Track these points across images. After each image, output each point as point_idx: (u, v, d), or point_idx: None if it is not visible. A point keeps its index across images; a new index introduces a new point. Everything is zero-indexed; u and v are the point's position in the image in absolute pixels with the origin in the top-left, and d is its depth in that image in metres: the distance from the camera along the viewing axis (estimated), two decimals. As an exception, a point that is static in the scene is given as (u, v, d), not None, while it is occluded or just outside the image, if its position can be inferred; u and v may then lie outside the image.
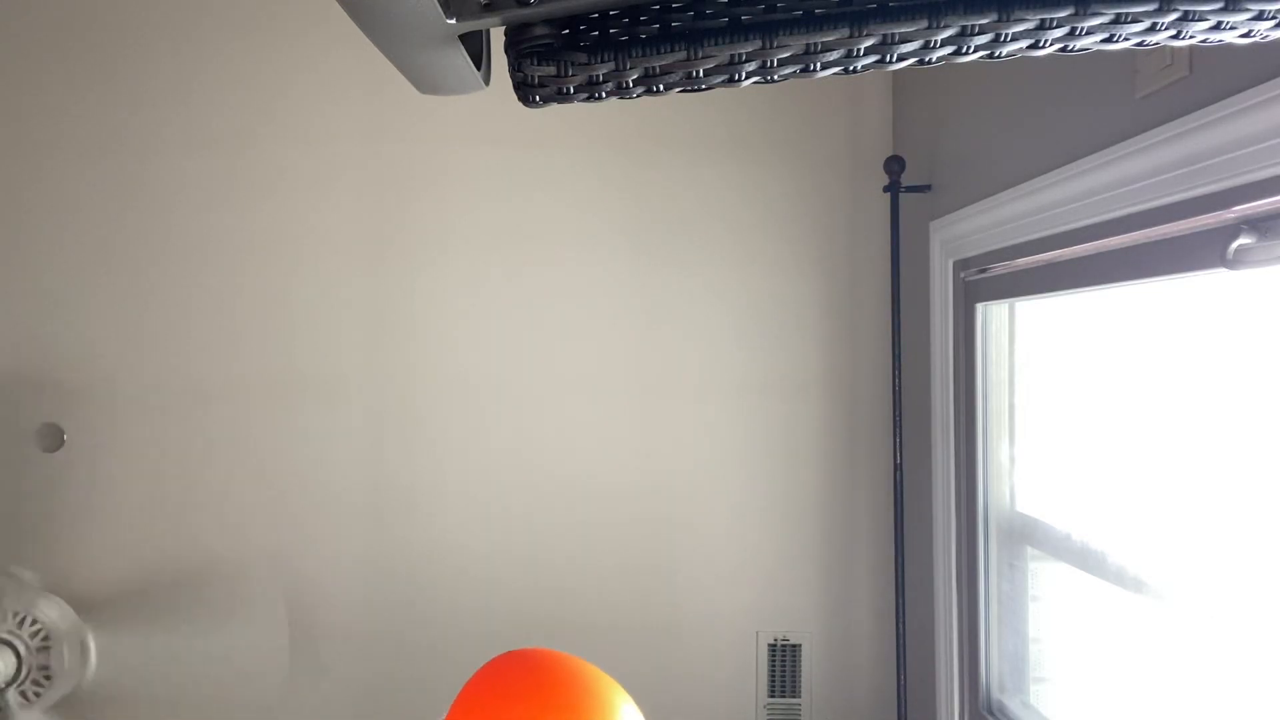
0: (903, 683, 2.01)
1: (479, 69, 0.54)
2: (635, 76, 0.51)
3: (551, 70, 0.50)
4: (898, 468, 2.04)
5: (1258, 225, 0.96)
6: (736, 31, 0.48)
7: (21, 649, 1.82)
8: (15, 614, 1.86)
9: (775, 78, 0.52)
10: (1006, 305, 1.68)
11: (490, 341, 2.13)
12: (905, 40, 0.48)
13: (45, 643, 1.86)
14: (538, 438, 2.14)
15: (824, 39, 0.48)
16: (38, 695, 1.85)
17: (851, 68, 0.51)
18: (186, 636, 2.03)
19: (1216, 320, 1.16)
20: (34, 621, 1.86)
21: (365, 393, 2.11)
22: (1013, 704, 1.65)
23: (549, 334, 2.14)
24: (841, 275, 2.18)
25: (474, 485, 2.12)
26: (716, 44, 0.48)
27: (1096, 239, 1.27)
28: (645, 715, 0.85)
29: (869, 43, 0.48)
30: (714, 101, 2.14)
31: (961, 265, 1.76)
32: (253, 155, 2.09)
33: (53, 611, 1.89)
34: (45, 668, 1.86)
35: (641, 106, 2.09)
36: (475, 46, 0.53)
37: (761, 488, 2.16)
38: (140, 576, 2.06)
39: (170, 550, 2.07)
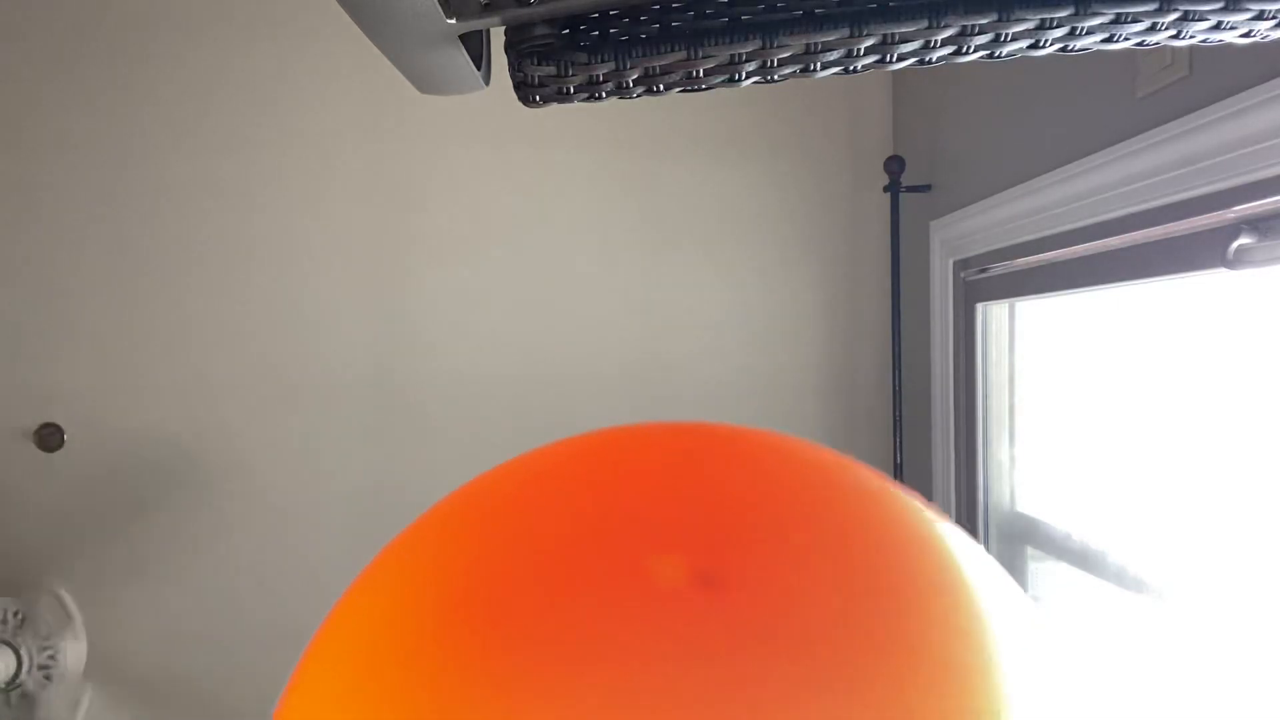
0: (903, 683, 2.01)
1: (479, 69, 0.54)
2: (635, 76, 0.51)
3: (551, 70, 0.50)
4: (898, 468, 2.04)
5: (1258, 225, 0.96)
6: (736, 31, 0.48)
7: (11, 639, 1.83)
8: (16, 614, 1.86)
9: (775, 78, 0.52)
10: (1006, 305, 1.68)
11: (490, 341, 2.13)
12: (905, 40, 0.48)
13: (22, 620, 1.86)
14: (537, 437, 2.13)
15: (824, 39, 0.48)
16: (49, 675, 1.85)
17: (851, 68, 0.51)
18: (180, 608, 2.04)
19: (1217, 320, 1.16)
20: (16, 613, 1.87)
21: (365, 392, 2.11)
22: (1013, 704, 1.64)
23: (548, 333, 2.14)
24: (841, 275, 2.18)
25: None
26: (716, 44, 0.48)
27: (1096, 239, 1.27)
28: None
29: (869, 43, 0.48)
30: (714, 101, 2.14)
31: (961, 265, 1.76)
32: (253, 155, 2.09)
33: (11, 600, 1.90)
34: (47, 648, 1.86)
35: (641, 106, 2.09)
36: (475, 46, 0.53)
37: (761, 488, 2.16)
38: (141, 575, 2.06)
39: (171, 549, 2.07)
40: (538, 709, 0.22)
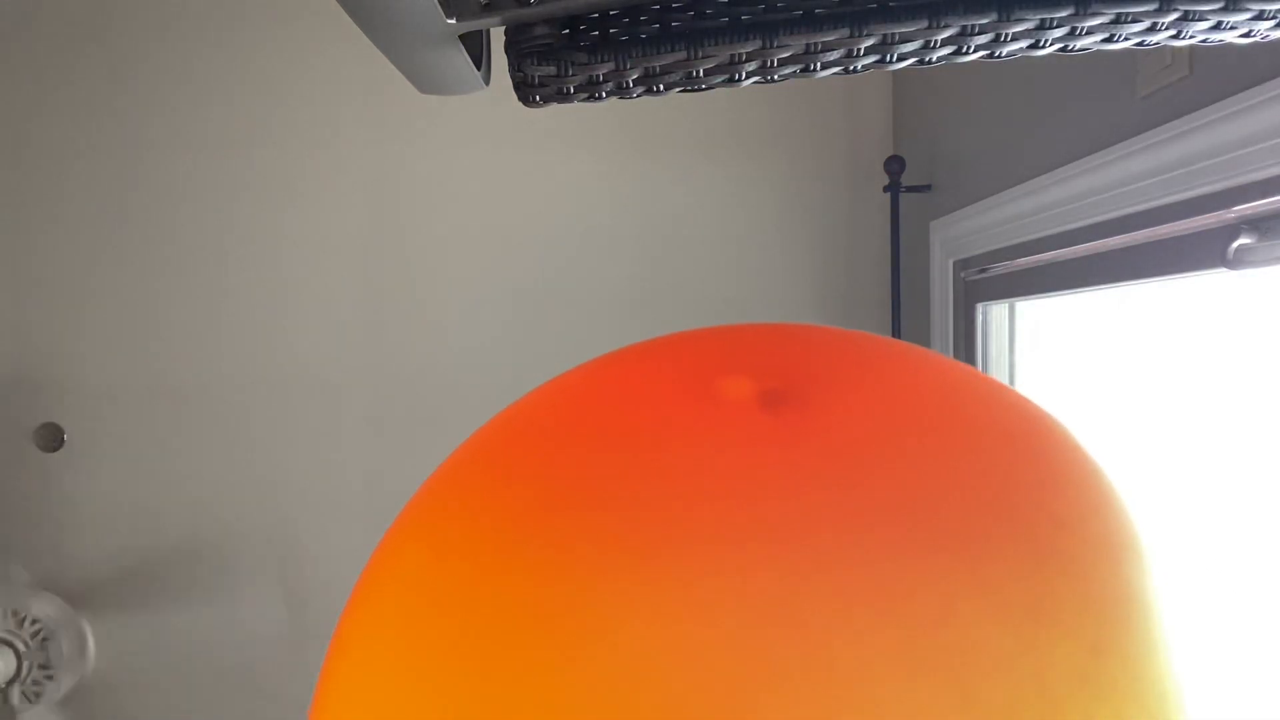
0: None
1: (479, 69, 0.54)
2: (635, 76, 0.51)
3: (551, 70, 0.50)
4: (898, 468, 2.04)
5: (1258, 225, 0.96)
6: (736, 31, 0.48)
7: (20, 647, 1.83)
8: (16, 613, 1.86)
9: (775, 78, 0.52)
10: (1006, 305, 1.68)
11: (490, 339, 2.13)
12: (905, 40, 0.48)
13: (44, 641, 1.86)
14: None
15: (824, 39, 0.48)
16: (37, 695, 1.85)
17: (851, 68, 0.51)
18: (186, 621, 2.04)
19: (1217, 320, 1.16)
20: (34, 621, 1.86)
21: (365, 390, 2.11)
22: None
23: (548, 333, 2.14)
24: (841, 275, 2.18)
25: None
26: (716, 44, 0.48)
27: (1097, 239, 1.27)
28: None
29: (869, 43, 0.48)
30: (714, 102, 2.14)
31: (961, 265, 1.76)
32: (252, 155, 2.09)
33: (47, 607, 1.90)
34: (45, 665, 1.86)
35: (641, 106, 2.09)
36: (475, 46, 0.53)
37: (761, 488, 2.16)
38: (141, 576, 2.06)
39: (172, 550, 2.07)
40: (589, 520, 0.21)
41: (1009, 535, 0.21)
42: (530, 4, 0.47)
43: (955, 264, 1.79)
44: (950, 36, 0.48)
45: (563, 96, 0.53)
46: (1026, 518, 0.21)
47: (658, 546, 0.20)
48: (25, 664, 1.83)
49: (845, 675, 0.18)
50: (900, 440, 0.23)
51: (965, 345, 1.75)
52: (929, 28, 0.47)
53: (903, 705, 0.18)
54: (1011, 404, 0.26)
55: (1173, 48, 1.06)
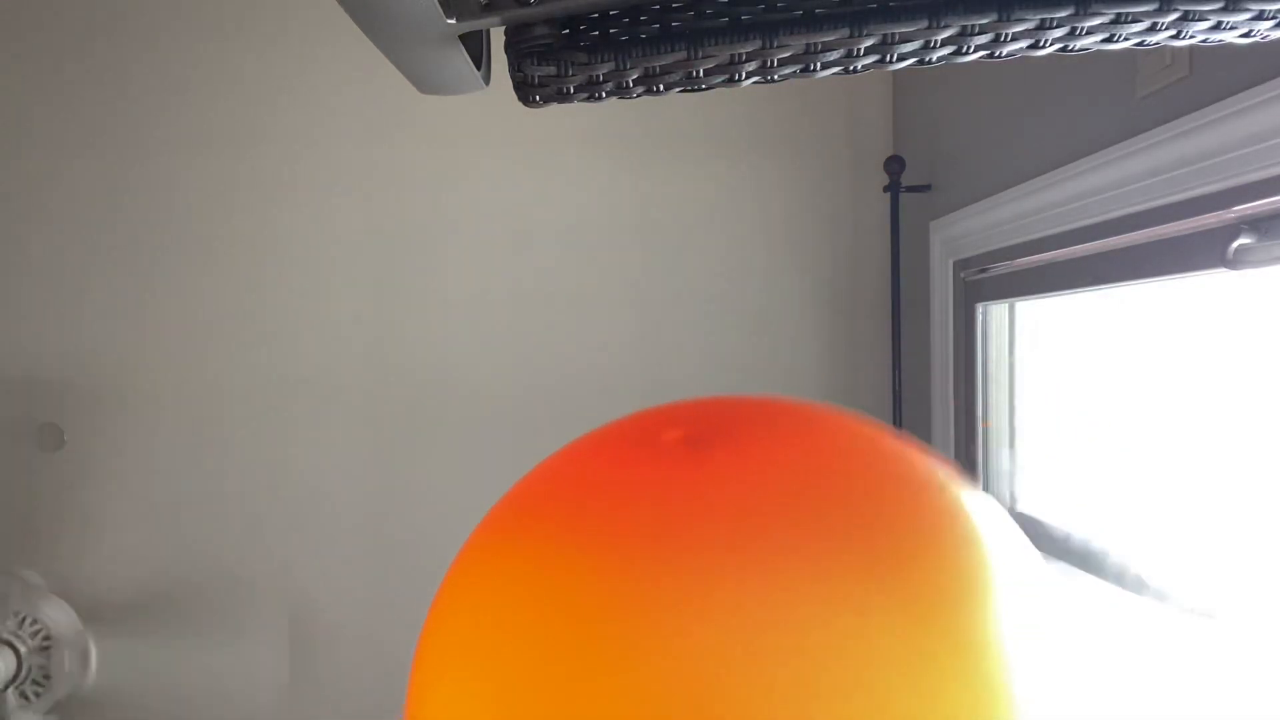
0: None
1: (479, 69, 0.54)
2: (635, 76, 0.51)
3: (551, 70, 0.50)
4: (898, 468, 2.03)
5: (1258, 225, 0.96)
6: (736, 31, 0.48)
7: (22, 650, 1.83)
8: (17, 614, 1.86)
9: (775, 77, 0.52)
10: (1006, 305, 1.68)
11: (491, 340, 2.13)
12: (905, 40, 0.48)
13: (45, 643, 1.86)
14: (539, 440, 2.13)
15: (824, 39, 0.48)
16: (37, 695, 1.85)
17: (852, 68, 0.51)
18: (189, 642, 2.03)
19: (1217, 320, 1.16)
20: (34, 622, 1.86)
21: (367, 394, 2.11)
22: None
23: (549, 335, 2.14)
24: (841, 275, 2.18)
25: (476, 486, 2.12)
26: (716, 44, 0.48)
27: (1097, 239, 1.27)
28: None
29: (869, 43, 0.48)
30: (714, 101, 2.14)
31: (961, 265, 1.76)
32: (253, 155, 2.09)
33: (57, 614, 1.89)
34: (44, 668, 1.86)
35: (641, 106, 2.09)
36: (475, 46, 0.53)
37: (762, 488, 2.15)
38: (141, 577, 2.06)
39: (171, 552, 2.07)
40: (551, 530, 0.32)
41: (852, 541, 0.30)
42: (530, 4, 0.47)
43: (955, 264, 1.79)
44: (950, 36, 0.48)
45: (563, 96, 0.53)
46: (872, 532, 0.30)
47: (596, 547, 0.30)
48: (25, 666, 1.83)
49: (715, 630, 0.27)
50: (784, 469, 0.32)
51: (965, 345, 1.75)
52: (929, 28, 0.47)
53: (763, 643, 0.27)
54: (895, 452, 0.35)
55: (1173, 48, 1.06)
